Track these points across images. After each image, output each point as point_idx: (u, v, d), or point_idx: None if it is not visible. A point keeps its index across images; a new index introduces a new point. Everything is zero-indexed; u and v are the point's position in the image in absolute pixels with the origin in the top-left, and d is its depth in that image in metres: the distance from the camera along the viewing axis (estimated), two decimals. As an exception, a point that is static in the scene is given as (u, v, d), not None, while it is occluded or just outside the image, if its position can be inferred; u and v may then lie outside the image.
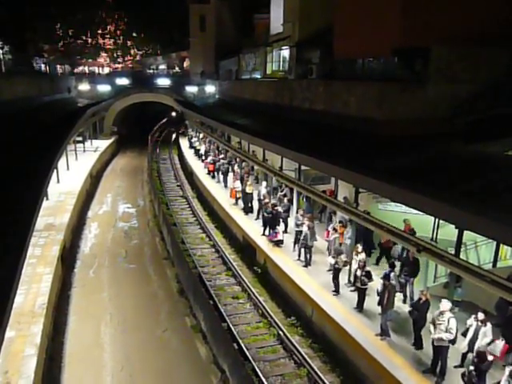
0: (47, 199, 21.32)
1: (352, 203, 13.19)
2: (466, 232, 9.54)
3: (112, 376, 11.71)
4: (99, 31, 68.55)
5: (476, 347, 9.13)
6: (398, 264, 12.70)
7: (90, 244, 20.70)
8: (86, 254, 19.59)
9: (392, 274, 11.51)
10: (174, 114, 58.58)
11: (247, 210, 20.56)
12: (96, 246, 20.54)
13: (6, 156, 13.85)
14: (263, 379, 11.00)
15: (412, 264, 12.26)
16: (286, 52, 28.97)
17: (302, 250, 15.13)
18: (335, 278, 13.37)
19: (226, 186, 24.88)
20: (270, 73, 32.58)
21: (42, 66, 52.56)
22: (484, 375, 8.74)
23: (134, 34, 71.84)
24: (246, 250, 18.62)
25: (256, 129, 21.66)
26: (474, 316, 9.53)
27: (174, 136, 51.28)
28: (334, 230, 14.97)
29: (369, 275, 12.04)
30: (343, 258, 13.46)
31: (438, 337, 9.43)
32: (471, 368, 8.78)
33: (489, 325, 9.21)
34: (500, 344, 9.07)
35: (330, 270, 14.39)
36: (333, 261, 13.65)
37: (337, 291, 13.29)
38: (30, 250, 12.29)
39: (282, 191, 19.36)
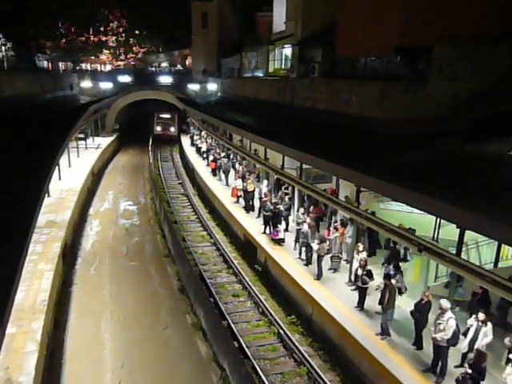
0: (49, 196, 21.36)
1: (353, 202, 13.18)
2: (467, 232, 9.53)
3: (112, 373, 11.73)
4: (101, 28, 68.57)
5: (476, 347, 9.13)
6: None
7: (91, 241, 20.73)
8: (87, 251, 19.63)
9: (397, 276, 11.52)
10: (159, 128, 44.53)
11: (248, 208, 20.56)
12: (97, 243, 20.57)
13: (8, 153, 13.86)
14: (263, 377, 11.01)
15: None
16: (288, 50, 28.93)
17: (303, 248, 15.14)
18: (319, 264, 13.95)
19: (227, 184, 24.88)
20: (272, 71, 32.57)
21: (45, 62, 52.62)
22: (482, 376, 8.71)
23: (137, 32, 71.81)
24: (247, 248, 18.62)
25: (258, 127, 21.64)
26: (474, 316, 9.52)
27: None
28: (335, 229, 14.99)
29: (370, 274, 12.04)
30: (326, 246, 14.04)
31: (433, 336, 9.46)
32: (469, 371, 8.74)
33: (489, 325, 9.20)
34: None
35: (330, 269, 14.43)
36: (316, 247, 13.97)
37: (318, 277, 13.87)
38: (32, 246, 12.32)
39: (286, 188, 19.32)
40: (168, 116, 44.82)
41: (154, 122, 45.03)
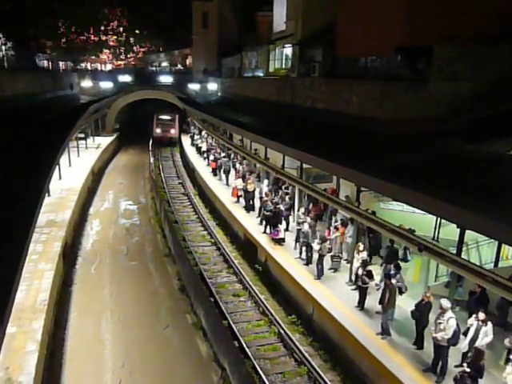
0: (49, 196, 21.36)
1: (354, 202, 13.17)
2: (467, 232, 9.52)
3: (112, 373, 11.73)
4: (102, 28, 68.53)
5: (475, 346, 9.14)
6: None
7: (92, 241, 20.74)
8: (88, 250, 19.63)
9: (398, 276, 11.52)
10: (159, 130, 42.02)
11: (249, 207, 20.56)
12: (97, 242, 20.58)
13: (8, 152, 13.86)
14: (263, 377, 11.01)
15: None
16: (288, 50, 28.92)
17: (303, 248, 15.14)
18: (319, 264, 13.95)
19: (227, 184, 24.88)
20: (272, 71, 32.57)
21: (45, 62, 52.56)
22: (481, 374, 8.73)
23: (137, 31, 71.80)
24: (248, 247, 18.62)
25: (258, 127, 21.63)
26: (474, 315, 9.52)
27: None
28: (336, 228, 14.99)
29: (370, 274, 12.04)
30: (327, 245, 14.17)
31: (434, 336, 9.47)
32: (467, 369, 8.77)
33: (489, 324, 9.20)
34: None
35: (330, 269, 14.43)
36: (317, 247, 13.99)
37: (319, 276, 13.90)
38: (32, 246, 12.34)
39: (286, 188, 19.34)
40: (168, 117, 42.77)
41: (153, 123, 42.86)
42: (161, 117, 42.36)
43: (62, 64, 58.26)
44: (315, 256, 14.45)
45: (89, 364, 12.03)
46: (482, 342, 9.07)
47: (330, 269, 14.43)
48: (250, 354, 11.93)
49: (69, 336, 13.21)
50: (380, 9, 16.36)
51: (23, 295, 12.36)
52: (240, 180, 21.98)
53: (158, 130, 42.23)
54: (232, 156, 27.28)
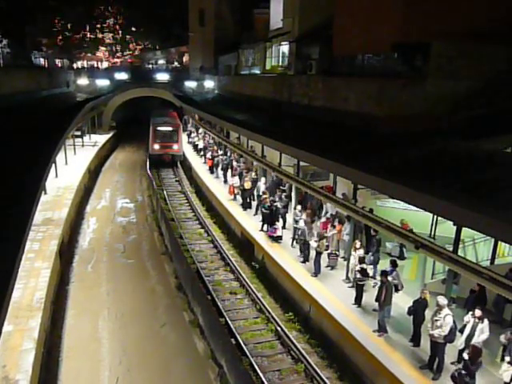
0: (45, 194, 21.28)
1: (350, 199, 13.19)
2: (464, 229, 9.55)
3: (110, 370, 11.72)
4: (98, 25, 68.33)
5: (472, 343, 9.17)
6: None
7: (89, 239, 20.68)
8: (85, 248, 19.58)
9: (394, 273, 11.55)
10: (157, 146, 31.98)
11: (246, 205, 20.55)
12: (94, 240, 20.53)
13: (4, 150, 13.78)
14: (261, 374, 11.03)
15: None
16: (285, 47, 28.87)
17: (301, 245, 15.14)
18: (316, 261, 13.99)
19: (225, 182, 24.85)
20: (269, 68, 32.49)
21: (41, 60, 52.32)
22: (476, 370, 8.79)
23: (133, 29, 71.60)
24: (245, 245, 18.62)
25: (255, 124, 21.60)
26: (471, 313, 9.55)
27: None
28: (333, 226, 15.01)
29: (364, 272, 12.06)
30: (325, 242, 14.18)
31: (431, 333, 9.51)
32: (463, 365, 8.82)
33: (486, 321, 9.24)
34: None
35: (327, 266, 14.46)
36: (315, 244, 14.02)
37: (316, 274, 13.97)
38: (28, 244, 12.31)
39: (283, 186, 19.31)
40: (170, 128, 32.79)
41: (149, 136, 32.82)
42: (159, 128, 32.67)
43: (58, 62, 58.02)
44: (312, 253, 14.47)
45: (86, 362, 12.02)
46: (478, 339, 9.12)
47: (327, 266, 14.46)
48: (247, 351, 11.94)
49: (66, 334, 13.18)
50: (377, 6, 16.34)
51: (20, 293, 12.33)
52: (237, 178, 21.96)
53: (157, 147, 32.42)
54: (229, 153, 27.26)
